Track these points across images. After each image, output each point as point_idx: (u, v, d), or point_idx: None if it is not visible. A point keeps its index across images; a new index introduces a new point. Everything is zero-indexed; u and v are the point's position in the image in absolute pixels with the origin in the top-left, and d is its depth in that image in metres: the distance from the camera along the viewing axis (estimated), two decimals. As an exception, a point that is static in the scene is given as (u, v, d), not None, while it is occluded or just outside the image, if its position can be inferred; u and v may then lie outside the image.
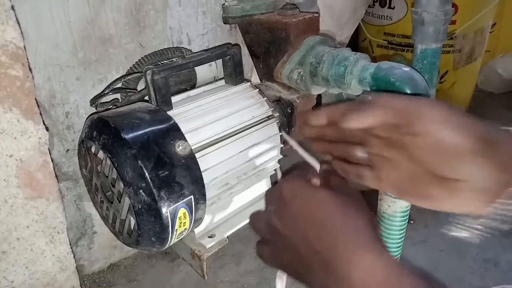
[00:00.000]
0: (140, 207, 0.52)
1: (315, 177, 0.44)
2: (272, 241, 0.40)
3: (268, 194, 0.41)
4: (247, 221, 0.68)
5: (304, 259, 0.36)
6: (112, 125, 0.53)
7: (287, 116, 0.70)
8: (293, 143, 0.50)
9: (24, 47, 0.58)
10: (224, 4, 0.78)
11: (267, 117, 0.67)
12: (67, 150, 0.72)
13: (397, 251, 0.67)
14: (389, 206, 0.61)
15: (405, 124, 0.35)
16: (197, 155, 0.57)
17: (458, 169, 0.34)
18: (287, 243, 0.37)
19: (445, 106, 0.35)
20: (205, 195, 0.57)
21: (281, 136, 0.68)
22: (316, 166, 0.45)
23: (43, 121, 0.63)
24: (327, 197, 0.37)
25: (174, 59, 0.62)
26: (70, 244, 0.72)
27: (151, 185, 0.51)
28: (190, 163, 0.55)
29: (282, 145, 0.69)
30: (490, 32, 1.46)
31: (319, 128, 0.43)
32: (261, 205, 0.71)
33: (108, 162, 0.53)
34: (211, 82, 0.72)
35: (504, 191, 0.33)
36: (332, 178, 0.42)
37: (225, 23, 0.79)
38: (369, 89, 0.60)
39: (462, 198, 0.35)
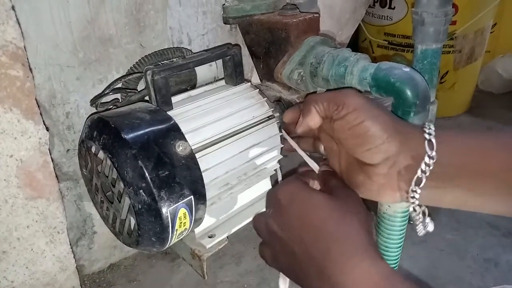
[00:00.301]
0: (140, 207, 0.52)
1: (314, 180, 0.44)
2: (272, 244, 0.40)
3: (267, 197, 0.42)
4: (247, 221, 0.68)
5: (301, 263, 0.36)
6: (112, 125, 0.53)
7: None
8: (293, 143, 0.51)
9: (24, 47, 0.58)
10: (224, 4, 0.78)
11: (267, 117, 0.67)
12: (68, 150, 0.72)
13: (397, 251, 0.67)
14: (389, 206, 0.61)
15: (334, 111, 0.40)
16: (197, 155, 0.57)
17: (371, 154, 0.37)
18: (285, 246, 0.38)
19: (364, 97, 0.39)
20: (205, 195, 0.57)
21: (281, 136, 0.68)
22: (315, 167, 0.45)
23: (43, 121, 0.63)
24: (323, 201, 0.37)
25: (174, 59, 0.62)
26: (70, 244, 0.72)
27: (151, 185, 0.51)
28: (190, 163, 0.55)
29: (283, 145, 0.69)
30: (490, 33, 1.46)
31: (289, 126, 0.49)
32: (261, 206, 0.72)
33: (108, 162, 0.53)
34: (211, 82, 0.72)
35: (411, 178, 0.37)
36: (331, 179, 0.42)
37: (225, 23, 0.79)
38: (369, 89, 0.60)
39: (378, 184, 0.38)
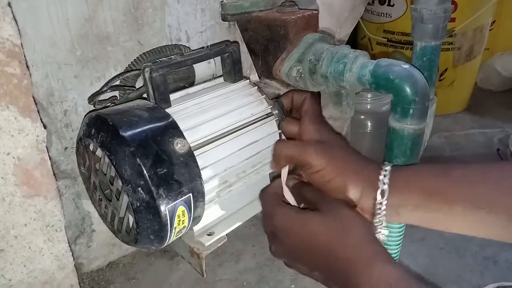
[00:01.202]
0: (138, 205, 0.52)
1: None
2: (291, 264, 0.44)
3: (263, 222, 0.46)
4: (247, 219, 0.68)
5: (323, 282, 0.41)
6: (110, 123, 0.53)
7: (286, 114, 0.70)
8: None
9: (22, 44, 0.58)
10: (222, 1, 0.77)
11: (266, 114, 0.67)
12: (65, 148, 0.72)
13: (396, 250, 0.67)
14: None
15: (302, 168, 0.45)
16: (196, 152, 0.57)
17: (339, 198, 0.42)
18: (301, 269, 0.42)
19: (327, 152, 0.44)
20: (204, 193, 0.57)
21: (280, 134, 0.68)
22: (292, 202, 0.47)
23: (40, 119, 0.63)
24: (318, 225, 0.40)
25: (172, 56, 0.62)
26: (68, 242, 0.72)
27: (150, 183, 0.51)
28: (189, 160, 0.55)
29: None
30: (489, 30, 1.46)
31: None
32: (260, 204, 0.72)
33: (107, 160, 0.53)
34: (209, 80, 0.72)
35: (372, 213, 0.42)
36: (316, 191, 0.45)
37: (223, 20, 0.79)
38: (368, 87, 0.60)
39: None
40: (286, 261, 0.44)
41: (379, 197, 0.41)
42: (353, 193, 0.42)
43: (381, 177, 0.41)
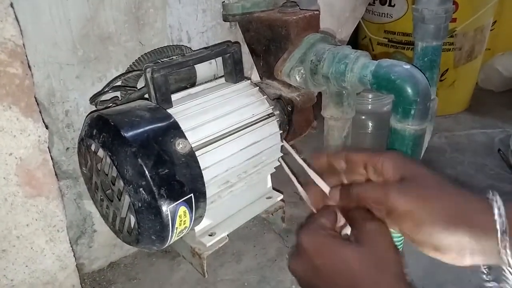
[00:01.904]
0: (140, 205, 0.52)
1: (335, 215, 0.42)
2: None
3: (296, 237, 0.41)
4: (248, 219, 0.68)
5: None
6: (112, 123, 0.53)
7: (287, 114, 0.70)
8: (301, 162, 0.48)
9: (23, 45, 0.58)
10: (224, 1, 0.78)
11: (268, 115, 0.67)
12: (67, 148, 0.72)
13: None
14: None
15: (381, 207, 0.38)
16: (197, 153, 0.57)
17: (421, 236, 0.36)
18: (308, 286, 0.39)
19: (404, 183, 0.37)
20: (205, 193, 0.57)
21: (281, 134, 0.68)
22: (325, 187, 0.43)
23: (42, 119, 0.63)
24: (352, 256, 0.36)
25: (173, 57, 0.62)
26: (70, 242, 0.72)
27: (151, 183, 0.51)
28: (190, 161, 0.55)
29: (283, 143, 0.69)
30: (490, 30, 1.46)
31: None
32: (261, 204, 0.72)
33: (108, 160, 0.53)
34: (211, 80, 0.72)
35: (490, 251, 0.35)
36: (354, 214, 0.41)
37: (225, 20, 0.79)
38: (369, 87, 0.60)
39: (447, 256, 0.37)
40: (302, 280, 0.39)
41: (500, 242, 0.34)
42: (454, 240, 0.35)
43: (497, 222, 0.34)
